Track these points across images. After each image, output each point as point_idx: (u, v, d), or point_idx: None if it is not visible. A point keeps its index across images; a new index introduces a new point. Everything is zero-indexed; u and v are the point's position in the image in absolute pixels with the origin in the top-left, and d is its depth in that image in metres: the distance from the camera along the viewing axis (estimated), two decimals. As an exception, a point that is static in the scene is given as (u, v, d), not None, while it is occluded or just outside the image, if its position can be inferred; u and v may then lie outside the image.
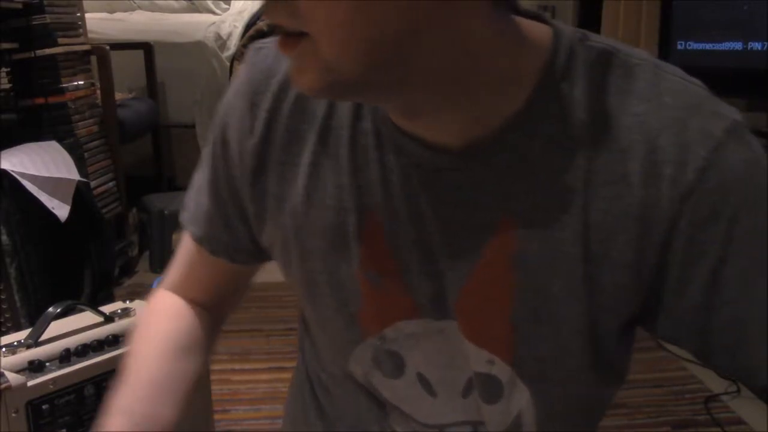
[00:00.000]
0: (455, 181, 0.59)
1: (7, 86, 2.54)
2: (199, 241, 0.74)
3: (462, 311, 0.62)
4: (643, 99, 0.56)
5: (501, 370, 0.63)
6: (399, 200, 0.61)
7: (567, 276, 0.58)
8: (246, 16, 3.82)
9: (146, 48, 3.50)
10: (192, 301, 0.79)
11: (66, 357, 1.08)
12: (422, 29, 0.49)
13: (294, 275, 0.68)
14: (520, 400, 0.65)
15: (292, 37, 0.51)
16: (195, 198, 0.74)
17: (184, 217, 0.76)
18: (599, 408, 0.70)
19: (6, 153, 2.15)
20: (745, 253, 0.56)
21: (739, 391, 2.09)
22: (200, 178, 0.74)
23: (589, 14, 3.32)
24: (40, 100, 2.56)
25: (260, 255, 0.74)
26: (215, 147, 0.70)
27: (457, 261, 0.61)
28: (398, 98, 0.55)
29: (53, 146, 2.39)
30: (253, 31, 3.31)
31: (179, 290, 0.79)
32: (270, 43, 0.67)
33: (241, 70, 0.68)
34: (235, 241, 0.73)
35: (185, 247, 0.78)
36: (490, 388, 0.65)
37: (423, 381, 0.67)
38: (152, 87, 3.55)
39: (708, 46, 2.15)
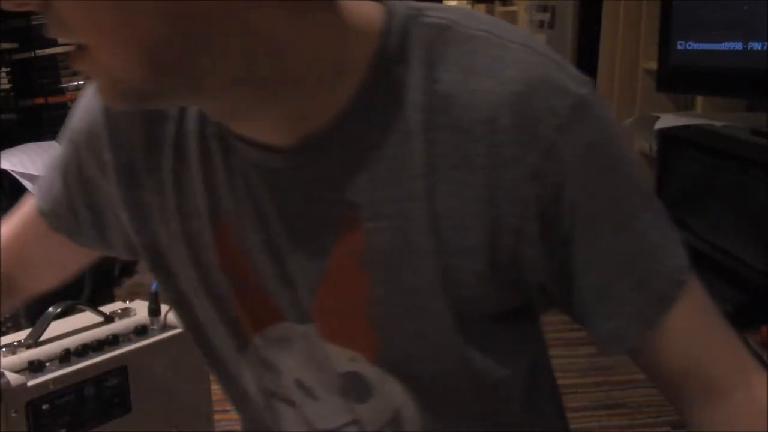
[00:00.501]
0: (294, 179, 0.57)
1: (7, 86, 2.54)
2: (43, 215, 0.73)
3: (319, 313, 0.61)
4: (483, 74, 0.53)
5: (366, 367, 0.61)
6: (245, 203, 0.59)
7: (421, 268, 0.56)
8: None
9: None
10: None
11: (66, 357, 1.08)
12: (203, 31, 0.47)
13: (178, 286, 0.67)
14: (395, 396, 0.62)
15: (76, 51, 0.48)
16: (50, 174, 0.73)
17: (38, 186, 0.75)
18: (501, 391, 0.65)
19: (6, 153, 2.15)
20: (587, 237, 0.55)
21: (739, 391, 2.09)
22: (57, 159, 0.72)
23: (589, 14, 3.32)
24: (40, 100, 2.56)
25: (109, 247, 0.73)
26: (75, 137, 0.68)
27: (307, 262, 0.59)
28: (202, 101, 0.54)
29: (53, 146, 2.39)
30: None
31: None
32: None
33: None
34: (79, 227, 0.72)
35: (25, 212, 0.76)
36: (358, 387, 0.63)
37: (301, 386, 0.66)
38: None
39: (708, 46, 2.15)
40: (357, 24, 0.54)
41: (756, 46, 2.01)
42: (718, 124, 2.13)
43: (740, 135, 2.01)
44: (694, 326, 0.59)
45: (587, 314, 0.59)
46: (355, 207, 0.56)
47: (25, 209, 0.76)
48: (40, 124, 2.56)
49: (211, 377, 1.26)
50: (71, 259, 0.79)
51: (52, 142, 2.42)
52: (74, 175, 0.70)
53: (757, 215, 1.94)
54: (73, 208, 0.71)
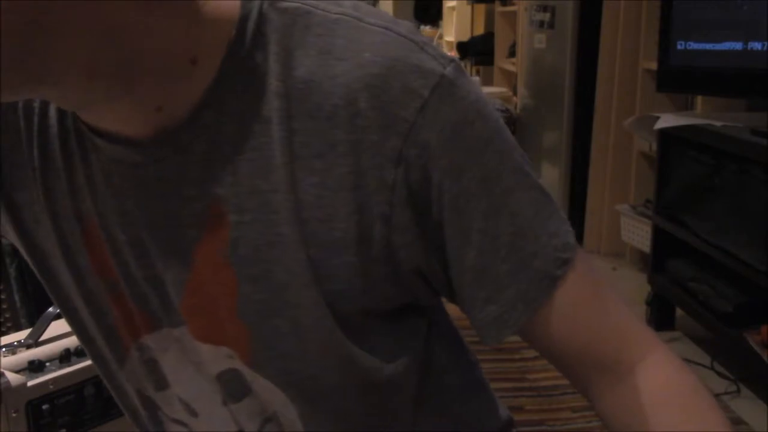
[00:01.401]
0: (154, 174, 0.54)
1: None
2: None
3: (189, 313, 0.58)
4: (341, 58, 0.52)
5: (242, 366, 0.59)
6: (106, 202, 0.57)
7: (289, 262, 0.54)
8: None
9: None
10: None
11: (66, 357, 1.08)
12: (48, 21, 0.44)
13: (61, 292, 0.63)
14: (272, 398, 0.60)
15: None
16: None
17: None
18: (389, 388, 0.62)
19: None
20: (459, 221, 0.53)
21: (739, 391, 2.09)
22: None
23: (589, 14, 3.32)
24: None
25: None
26: None
27: (173, 260, 0.56)
28: (50, 93, 0.51)
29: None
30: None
31: None
32: None
33: None
34: None
35: None
36: (234, 385, 0.60)
37: (183, 403, 0.64)
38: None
39: (708, 46, 2.15)
40: (212, 13, 0.51)
41: (756, 46, 2.01)
42: (718, 124, 2.13)
43: (740, 135, 2.01)
44: (581, 305, 0.56)
45: (466, 301, 0.56)
46: (219, 201, 0.54)
47: None
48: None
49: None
50: None
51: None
52: None
53: (757, 215, 1.94)
54: None
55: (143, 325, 0.60)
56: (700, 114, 2.49)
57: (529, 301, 0.55)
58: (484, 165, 0.53)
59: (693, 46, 2.20)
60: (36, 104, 0.58)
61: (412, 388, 0.63)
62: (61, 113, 0.57)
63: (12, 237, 0.65)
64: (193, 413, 0.64)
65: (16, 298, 2.17)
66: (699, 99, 2.67)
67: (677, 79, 2.32)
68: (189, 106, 0.52)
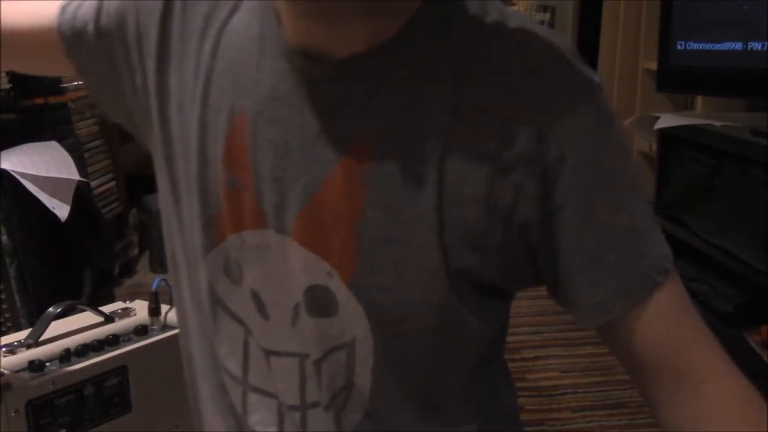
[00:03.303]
0: (324, 92, 0.61)
1: (7, 86, 2.54)
2: (61, 31, 0.74)
3: (305, 223, 0.62)
4: (516, 38, 0.60)
5: (338, 286, 0.62)
6: (266, 103, 0.62)
7: (419, 202, 0.59)
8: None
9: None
10: None
11: (66, 357, 1.08)
12: None
13: (170, 176, 0.69)
14: (357, 324, 0.62)
15: None
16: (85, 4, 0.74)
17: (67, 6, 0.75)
18: (458, 352, 0.66)
19: (6, 153, 2.16)
20: (583, 206, 0.58)
21: (739, 391, 2.08)
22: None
23: (589, 14, 3.32)
24: (40, 100, 2.56)
25: (101, 97, 0.76)
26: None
27: (309, 171, 0.61)
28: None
29: (53, 146, 2.39)
30: None
31: None
32: None
33: None
34: (86, 65, 0.74)
35: (44, 15, 0.75)
36: (322, 302, 0.63)
37: (257, 299, 0.66)
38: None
39: (708, 46, 2.15)
40: None
41: (756, 46, 2.01)
42: (718, 124, 2.13)
43: (740, 135, 2.01)
44: (672, 315, 0.60)
45: (572, 282, 0.60)
46: (371, 130, 0.59)
47: (46, 12, 0.76)
48: (40, 124, 2.56)
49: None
50: (53, 68, 0.81)
51: (52, 142, 2.42)
52: (113, 23, 0.71)
53: (757, 215, 1.94)
54: (88, 45, 0.73)
55: (250, 220, 0.64)
56: (700, 114, 2.48)
57: (629, 296, 0.59)
58: (615, 160, 0.59)
59: (693, 46, 2.19)
60: (201, 9, 0.66)
61: (473, 362, 0.68)
62: (245, 21, 0.65)
63: (139, 119, 0.72)
64: (265, 315, 0.66)
65: (16, 298, 2.17)
66: (699, 99, 2.67)
67: (677, 79, 2.32)
68: (382, 38, 0.59)
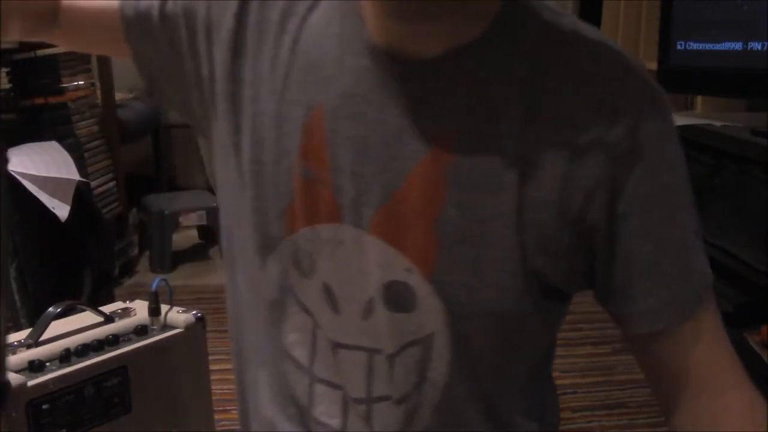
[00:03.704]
0: (406, 90, 0.62)
1: (7, 86, 2.54)
2: (123, 13, 0.74)
3: (385, 219, 0.62)
4: (588, 52, 0.63)
5: (418, 282, 0.63)
6: (347, 99, 0.63)
7: (499, 203, 0.60)
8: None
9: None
10: None
11: (66, 357, 1.08)
12: None
13: (239, 164, 0.69)
14: (435, 319, 0.63)
15: None
16: None
17: None
18: (523, 352, 0.69)
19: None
20: (644, 215, 0.61)
21: (739, 391, 2.08)
22: None
23: (589, 14, 3.32)
24: (40, 100, 2.56)
25: (157, 86, 0.76)
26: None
27: (390, 165, 0.62)
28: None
29: (53, 146, 2.39)
30: None
31: None
32: None
33: None
34: (148, 51, 0.74)
35: None
36: (400, 297, 0.64)
37: (328, 293, 0.67)
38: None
39: (708, 46, 2.15)
40: None
41: (756, 46, 2.01)
42: (718, 124, 2.13)
43: (740, 135, 2.01)
44: (710, 332, 0.63)
45: (627, 288, 0.62)
46: (452, 129, 0.61)
47: None
48: (40, 124, 2.56)
49: (211, 377, 1.26)
50: (109, 48, 0.82)
51: (52, 142, 2.42)
52: (179, 9, 0.71)
53: (757, 215, 1.94)
54: (151, 29, 0.73)
55: (325, 213, 0.64)
56: (700, 114, 2.48)
57: (682, 307, 0.62)
58: (677, 174, 0.62)
59: (693, 46, 2.19)
60: (300, 8, 0.67)
61: (536, 359, 0.71)
62: (328, 19, 0.66)
63: (198, 107, 0.72)
64: (336, 309, 0.67)
65: (16, 298, 2.17)
66: (699, 99, 2.67)
67: (677, 79, 2.32)
68: (462, 41, 0.61)
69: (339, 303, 0.66)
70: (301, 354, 0.69)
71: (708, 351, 0.63)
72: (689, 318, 0.62)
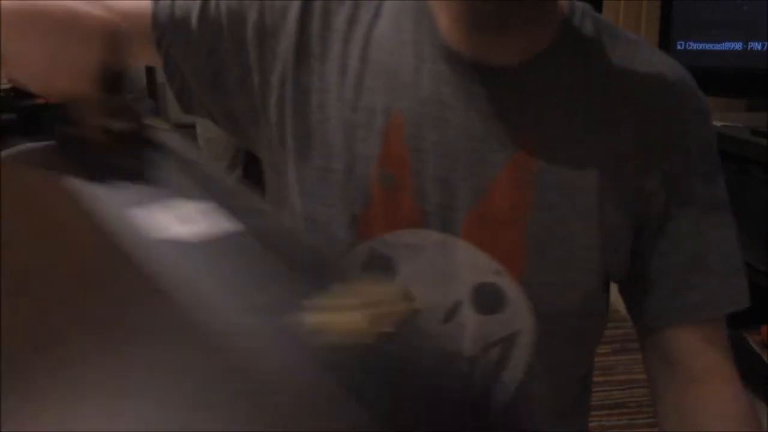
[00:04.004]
0: (488, 97, 0.63)
1: (7, 86, 2.54)
2: (155, 17, 0.69)
3: (474, 223, 0.63)
4: (650, 56, 0.67)
5: (507, 284, 0.63)
6: (427, 105, 0.64)
7: (583, 204, 0.63)
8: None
9: (146, 48, 3.50)
10: None
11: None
12: None
13: (301, 170, 0.66)
14: (522, 319, 0.64)
15: None
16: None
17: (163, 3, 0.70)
18: (590, 343, 0.73)
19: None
20: (691, 214, 0.65)
21: (739, 391, 2.08)
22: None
23: (589, 14, 3.32)
24: (40, 100, 2.55)
25: (186, 93, 0.73)
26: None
27: (477, 170, 0.63)
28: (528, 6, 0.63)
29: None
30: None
31: None
32: None
33: None
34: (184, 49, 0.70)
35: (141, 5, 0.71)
36: (490, 300, 0.64)
37: None
38: (152, 87, 3.56)
39: (708, 46, 2.15)
40: None
41: (756, 46, 2.01)
42: (718, 124, 2.13)
43: (740, 135, 2.01)
44: (722, 332, 0.68)
45: (667, 281, 0.65)
46: (537, 134, 0.63)
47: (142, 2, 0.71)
48: (40, 124, 2.56)
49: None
50: (137, 52, 0.76)
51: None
52: (223, 17, 0.67)
53: (757, 215, 1.94)
54: (187, 36, 0.69)
55: (407, 219, 0.64)
56: (700, 114, 2.48)
57: (713, 310, 0.67)
58: (720, 181, 0.67)
59: (693, 46, 2.19)
60: (343, 11, 0.67)
61: (593, 353, 0.75)
62: (398, 25, 0.66)
63: (244, 114, 0.70)
64: None
65: (16, 298, 2.17)
66: (699, 99, 2.66)
67: (677, 79, 2.32)
68: (537, 49, 0.64)
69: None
70: None
71: (710, 347, 0.67)
72: (714, 318, 0.67)
